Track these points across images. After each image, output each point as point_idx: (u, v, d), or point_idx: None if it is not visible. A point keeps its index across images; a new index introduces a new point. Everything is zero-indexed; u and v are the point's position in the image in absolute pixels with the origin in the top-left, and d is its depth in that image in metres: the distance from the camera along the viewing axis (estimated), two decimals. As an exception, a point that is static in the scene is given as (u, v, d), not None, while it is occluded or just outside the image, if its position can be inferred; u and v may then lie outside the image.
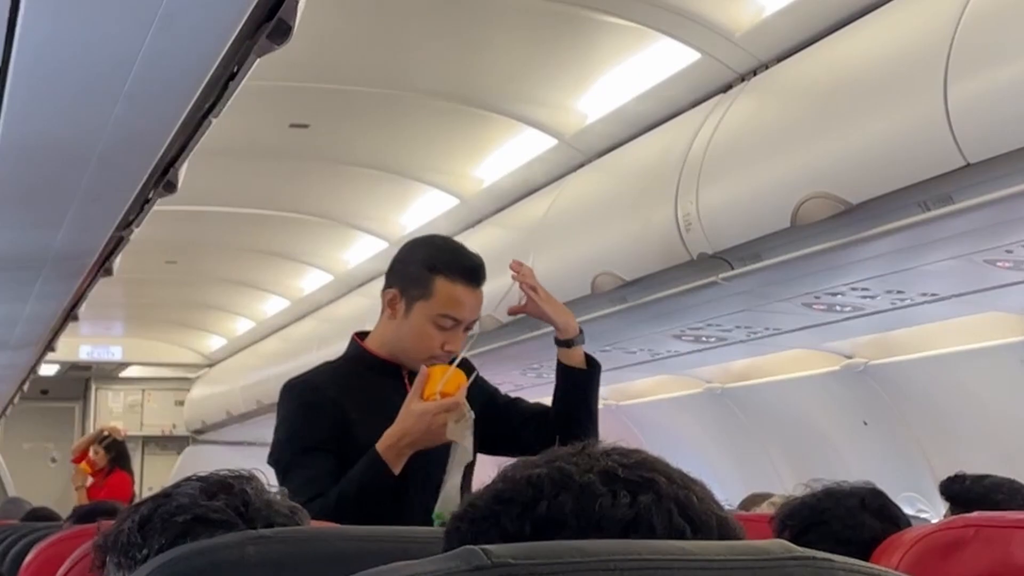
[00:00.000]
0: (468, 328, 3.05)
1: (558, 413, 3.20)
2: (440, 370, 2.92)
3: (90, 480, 10.05)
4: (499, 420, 3.14)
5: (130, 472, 10.10)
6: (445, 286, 3.00)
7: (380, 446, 2.87)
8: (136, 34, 2.54)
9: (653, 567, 0.78)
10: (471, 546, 0.77)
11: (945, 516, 3.43)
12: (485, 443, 3.03)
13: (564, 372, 3.24)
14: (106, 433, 10.65)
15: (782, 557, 0.81)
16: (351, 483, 2.87)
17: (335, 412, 2.99)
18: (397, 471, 2.87)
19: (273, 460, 3.01)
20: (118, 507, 3.78)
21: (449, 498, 2.85)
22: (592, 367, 3.25)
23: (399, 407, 2.91)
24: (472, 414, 2.88)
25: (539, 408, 3.28)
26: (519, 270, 3.24)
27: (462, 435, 2.87)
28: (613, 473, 0.93)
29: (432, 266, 3.02)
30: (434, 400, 2.87)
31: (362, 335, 3.18)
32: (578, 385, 3.21)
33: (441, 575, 0.75)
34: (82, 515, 4.33)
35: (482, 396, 3.11)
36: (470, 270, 3.04)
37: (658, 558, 0.79)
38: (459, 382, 2.91)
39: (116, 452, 10.18)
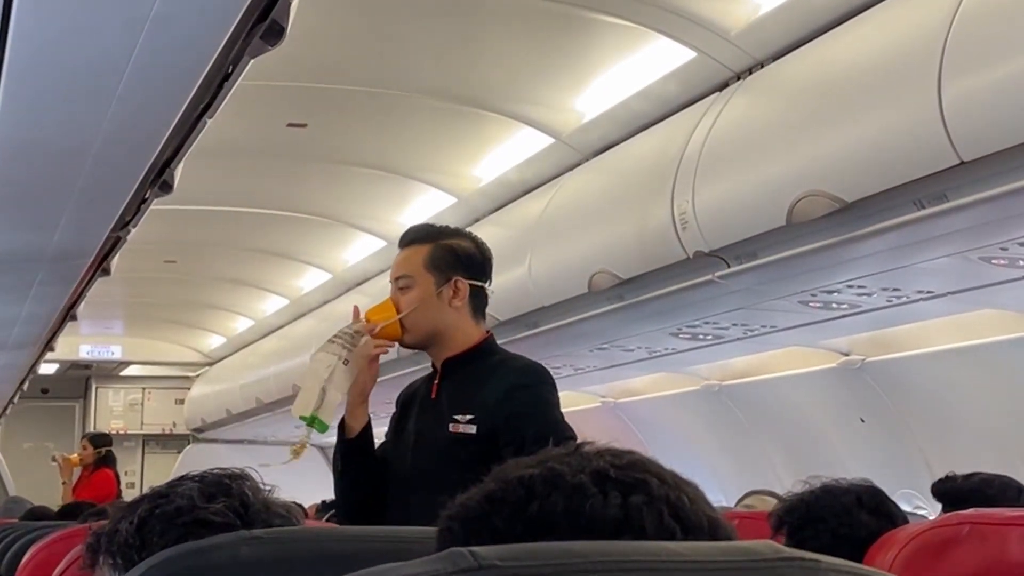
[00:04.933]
0: (403, 287, 3.05)
1: None
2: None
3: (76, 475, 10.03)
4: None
5: (115, 470, 10.07)
6: None
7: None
8: (130, 35, 2.54)
9: (641, 568, 0.78)
10: (459, 548, 0.77)
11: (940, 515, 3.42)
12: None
13: None
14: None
15: (770, 558, 0.80)
16: None
17: (397, 408, 3.13)
18: (356, 425, 3.00)
19: None
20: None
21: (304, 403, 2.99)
22: None
23: (424, 402, 3.02)
24: (360, 337, 2.98)
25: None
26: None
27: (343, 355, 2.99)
28: (605, 474, 0.93)
29: None
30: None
31: None
32: None
33: (429, 577, 0.75)
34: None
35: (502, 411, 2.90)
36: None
37: (646, 559, 0.78)
38: (382, 314, 3.02)
39: (105, 449, 10.14)
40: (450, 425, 2.89)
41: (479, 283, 3.04)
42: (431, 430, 2.95)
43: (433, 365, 3.07)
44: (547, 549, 0.78)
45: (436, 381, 3.02)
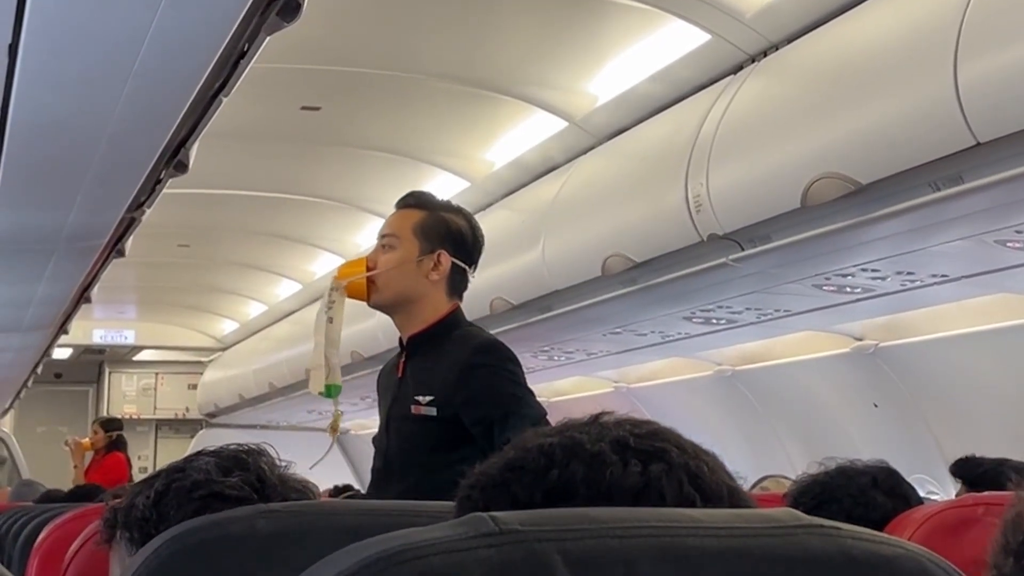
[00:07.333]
0: (386, 246, 2.99)
1: None
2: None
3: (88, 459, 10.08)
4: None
5: (126, 454, 10.11)
6: None
7: None
8: (145, 13, 2.55)
9: (661, 535, 0.78)
10: (479, 513, 0.77)
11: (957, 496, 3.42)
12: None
13: None
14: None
15: (791, 525, 0.80)
16: None
17: (378, 392, 3.10)
18: None
19: None
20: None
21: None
22: None
23: (393, 383, 2.98)
24: (339, 291, 3.01)
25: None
26: None
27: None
28: (624, 442, 0.93)
29: None
30: None
31: None
32: None
33: (449, 541, 0.75)
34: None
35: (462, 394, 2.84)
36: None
37: (666, 525, 0.78)
38: (353, 270, 3.03)
39: (116, 433, 10.18)
40: (412, 407, 2.83)
41: (463, 264, 2.95)
42: (399, 412, 2.90)
43: (400, 342, 3.00)
44: (567, 515, 0.79)
45: (403, 359, 2.96)
